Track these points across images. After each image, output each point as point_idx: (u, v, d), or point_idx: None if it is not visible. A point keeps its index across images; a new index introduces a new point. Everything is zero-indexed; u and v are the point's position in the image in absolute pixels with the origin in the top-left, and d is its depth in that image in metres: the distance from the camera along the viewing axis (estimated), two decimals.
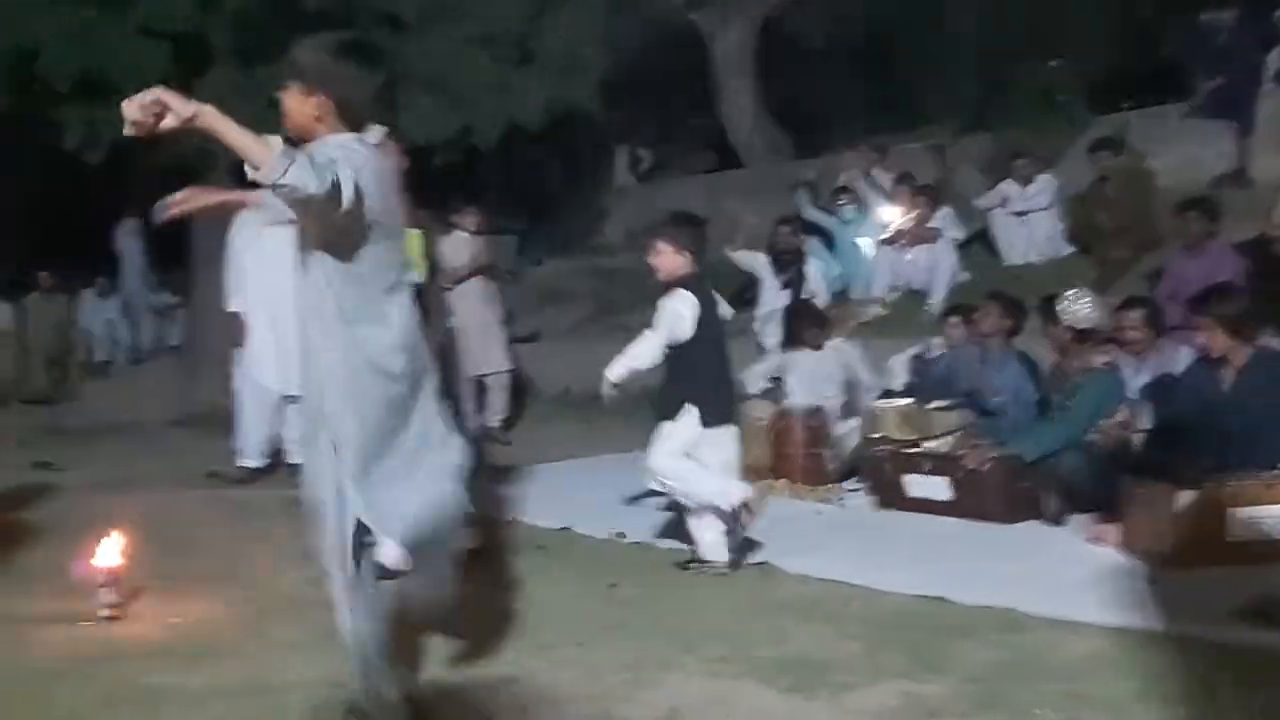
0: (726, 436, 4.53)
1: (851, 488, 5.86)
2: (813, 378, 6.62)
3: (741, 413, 6.33)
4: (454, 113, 9.72)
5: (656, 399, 4.60)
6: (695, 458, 4.43)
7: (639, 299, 11.87)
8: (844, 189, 9.90)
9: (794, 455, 5.88)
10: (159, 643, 3.72)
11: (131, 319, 13.31)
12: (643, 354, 4.56)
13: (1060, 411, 5.19)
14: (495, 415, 8.51)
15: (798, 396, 6.59)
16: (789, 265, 8.73)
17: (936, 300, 8.57)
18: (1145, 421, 5.21)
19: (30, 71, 9.03)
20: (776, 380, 6.78)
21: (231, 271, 7.03)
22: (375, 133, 3.27)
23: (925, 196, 9.19)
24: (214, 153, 10.32)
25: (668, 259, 4.53)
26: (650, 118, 16.78)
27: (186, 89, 9.24)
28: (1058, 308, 5.22)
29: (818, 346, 6.74)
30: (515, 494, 6.04)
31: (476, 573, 4.41)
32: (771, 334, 8.39)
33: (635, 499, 5.33)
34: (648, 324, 11.52)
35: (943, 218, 9.06)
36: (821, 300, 8.63)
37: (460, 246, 8.33)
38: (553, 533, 5.21)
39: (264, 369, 6.52)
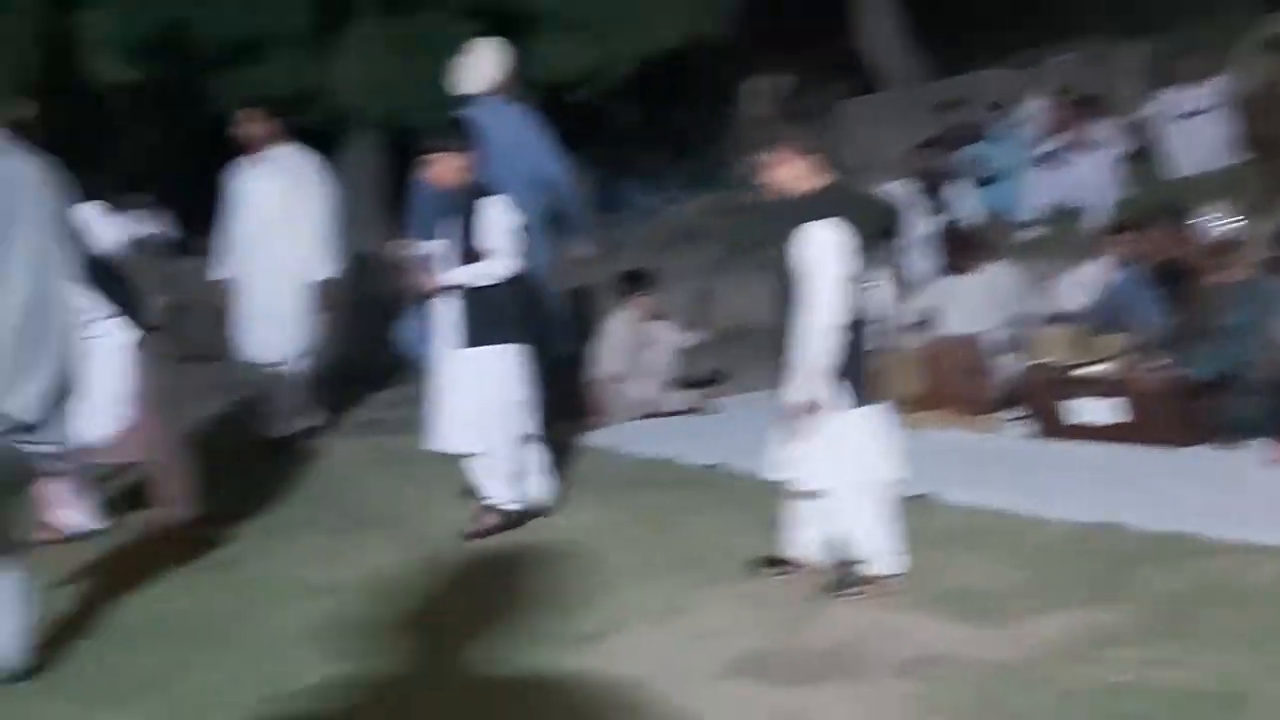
0: None
1: (1012, 416, 5.66)
2: (970, 305, 6.42)
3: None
4: (586, 49, 9.70)
5: None
6: None
7: (771, 236, 11.72)
8: (996, 105, 9.52)
9: (951, 384, 5.71)
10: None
11: None
12: None
13: (1221, 329, 4.93)
14: None
15: (955, 325, 6.41)
16: (935, 190, 8.48)
17: (1097, 218, 8.20)
18: None
19: (180, 41, 9.37)
20: (931, 310, 6.60)
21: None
22: None
23: (1083, 109, 8.79)
24: (351, 115, 10.60)
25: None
26: (782, 43, 16.40)
27: (325, 44, 9.38)
28: (1200, 224, 4.94)
29: (973, 271, 6.52)
30: (658, 435, 6.06)
31: (622, 509, 4.48)
32: (920, 262, 8.18)
33: None
34: (777, 261, 11.40)
35: (1102, 131, 8.64)
36: (974, 222, 8.38)
37: None
38: (702, 470, 5.20)
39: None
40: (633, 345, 6.66)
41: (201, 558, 4.14)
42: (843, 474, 3.33)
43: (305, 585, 3.78)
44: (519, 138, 5.33)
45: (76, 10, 9.31)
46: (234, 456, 6.05)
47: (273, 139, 6.20)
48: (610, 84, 10.12)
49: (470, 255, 4.34)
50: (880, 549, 3.37)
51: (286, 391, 6.35)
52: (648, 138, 14.70)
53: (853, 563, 3.40)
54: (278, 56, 9.62)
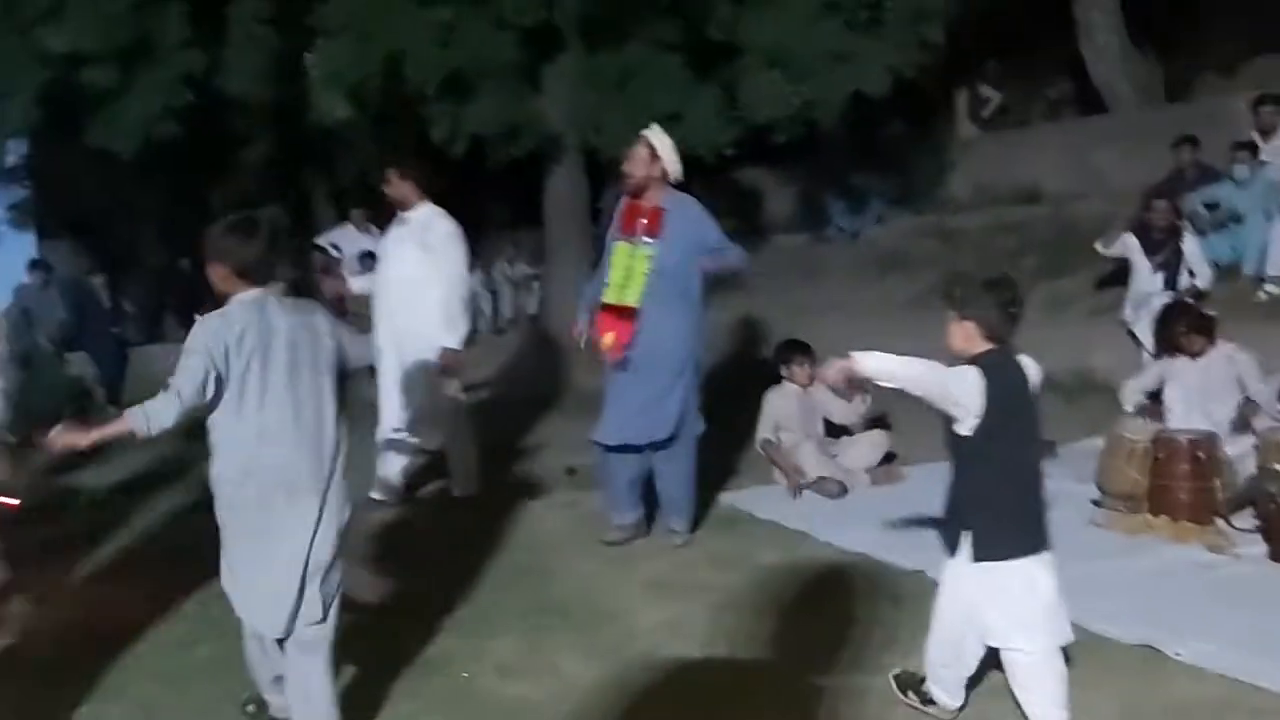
0: None
1: (1244, 527, 5.23)
2: (1196, 392, 5.99)
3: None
4: (794, 86, 9.47)
5: None
6: None
7: (990, 266, 11.17)
8: (1241, 145, 8.82)
9: (1176, 490, 5.31)
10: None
11: (491, 290, 14.14)
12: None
13: None
14: None
15: (1178, 414, 6.00)
16: (1163, 245, 7.94)
17: None
18: None
19: (399, 74, 9.63)
20: (1154, 395, 6.20)
21: None
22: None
23: None
24: (560, 142, 10.74)
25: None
26: (996, 51, 15.61)
27: (536, 76, 9.45)
28: None
29: (1200, 354, 6.08)
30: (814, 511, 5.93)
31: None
32: (1143, 322, 7.71)
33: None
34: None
35: None
36: (1205, 282, 7.83)
37: None
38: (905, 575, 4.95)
39: None
40: (797, 416, 6.51)
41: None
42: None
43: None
44: None
45: (304, 48, 9.71)
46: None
47: (416, 199, 6.20)
48: (818, 123, 9.85)
49: None
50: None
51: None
52: (854, 150, 14.30)
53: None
54: (488, 90, 9.79)
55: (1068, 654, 3.73)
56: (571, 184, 11.28)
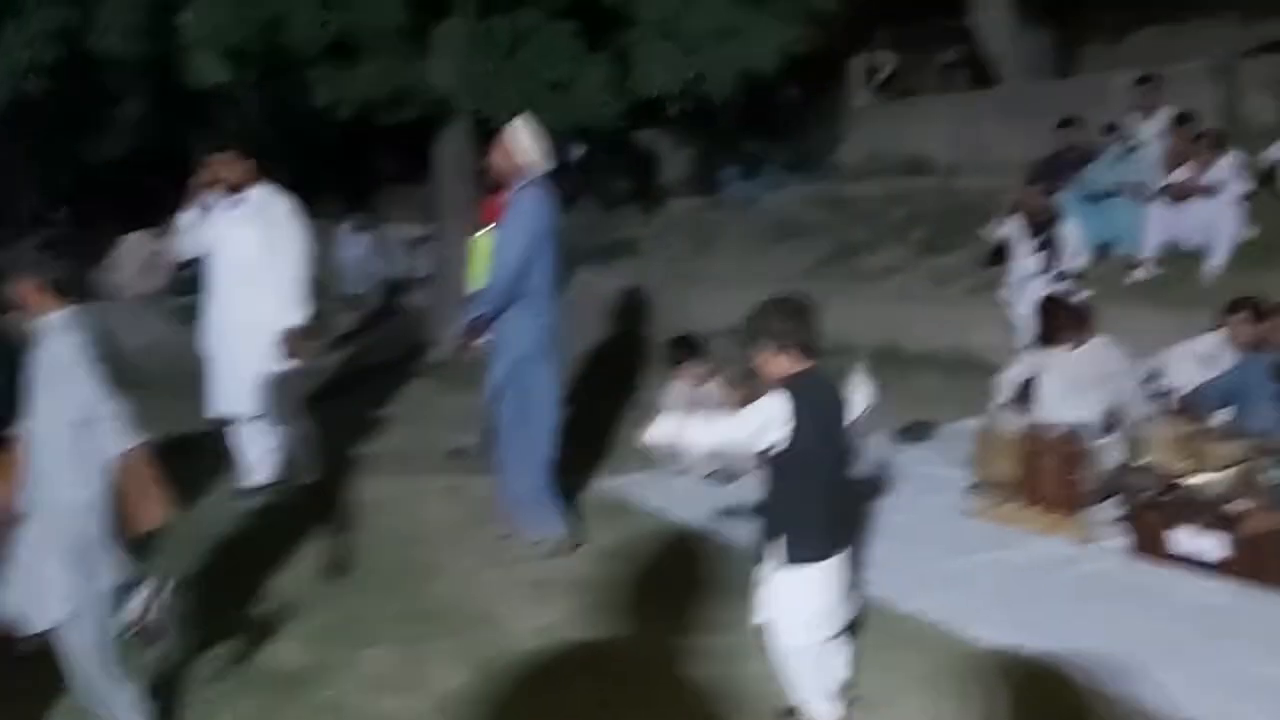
0: None
1: (1109, 514, 5.39)
2: (1069, 383, 6.13)
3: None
4: (685, 59, 9.36)
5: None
6: None
7: (880, 238, 11.26)
8: (1113, 126, 9.04)
9: (1044, 482, 5.43)
10: None
11: (382, 254, 13.85)
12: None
13: None
14: None
15: (1050, 404, 6.15)
16: (1042, 227, 8.11)
17: (1216, 264, 7.80)
18: None
19: (280, 39, 9.24)
20: (1024, 380, 6.34)
21: None
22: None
23: (1206, 139, 8.29)
24: (449, 105, 10.50)
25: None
26: (891, 16, 15.66)
27: (423, 40, 9.19)
28: None
29: (1075, 346, 6.22)
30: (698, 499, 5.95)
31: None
32: (1023, 302, 7.88)
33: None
34: (889, 270, 10.84)
35: (1226, 167, 8.14)
36: (1078, 264, 8.04)
37: None
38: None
39: None
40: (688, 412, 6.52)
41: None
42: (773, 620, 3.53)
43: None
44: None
45: (176, 11, 9.25)
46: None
47: (250, 180, 6.10)
48: (707, 99, 9.76)
49: None
50: (807, 694, 3.55)
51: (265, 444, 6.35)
52: (749, 115, 14.26)
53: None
54: (373, 55, 9.50)
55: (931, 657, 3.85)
56: (462, 147, 11.04)
